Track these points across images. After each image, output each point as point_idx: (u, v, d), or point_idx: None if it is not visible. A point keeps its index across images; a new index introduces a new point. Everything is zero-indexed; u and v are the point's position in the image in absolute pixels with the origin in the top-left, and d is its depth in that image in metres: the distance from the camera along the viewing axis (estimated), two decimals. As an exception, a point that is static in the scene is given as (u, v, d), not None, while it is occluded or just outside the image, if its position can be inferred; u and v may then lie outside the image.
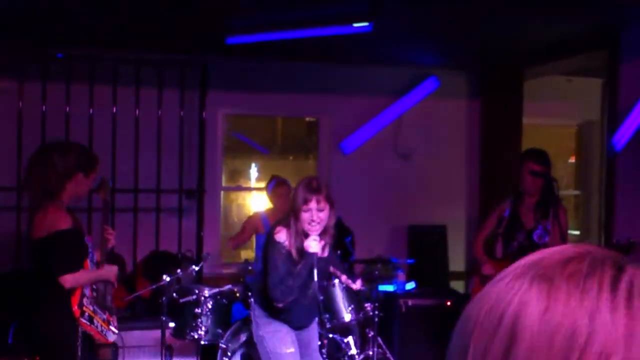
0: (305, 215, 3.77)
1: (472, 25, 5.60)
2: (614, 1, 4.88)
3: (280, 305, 3.83)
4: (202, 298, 4.73)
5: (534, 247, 4.51)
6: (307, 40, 5.57)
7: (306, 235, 3.81)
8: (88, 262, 3.62)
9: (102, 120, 6.20)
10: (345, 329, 5.07)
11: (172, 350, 4.91)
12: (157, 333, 4.94)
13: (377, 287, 5.23)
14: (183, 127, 6.52)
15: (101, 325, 3.63)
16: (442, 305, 5.89)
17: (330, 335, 5.00)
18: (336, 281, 4.83)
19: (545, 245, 4.53)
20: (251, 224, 5.83)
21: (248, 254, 6.74)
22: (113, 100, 6.24)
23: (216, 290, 4.83)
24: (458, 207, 7.47)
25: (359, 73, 7.07)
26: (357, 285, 4.31)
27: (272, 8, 5.07)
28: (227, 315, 4.97)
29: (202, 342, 4.76)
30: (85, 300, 3.54)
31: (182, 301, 4.75)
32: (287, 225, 3.85)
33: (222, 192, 7.20)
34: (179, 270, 4.89)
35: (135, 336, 5.45)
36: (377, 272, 5.29)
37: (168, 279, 4.70)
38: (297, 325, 4.03)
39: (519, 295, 0.63)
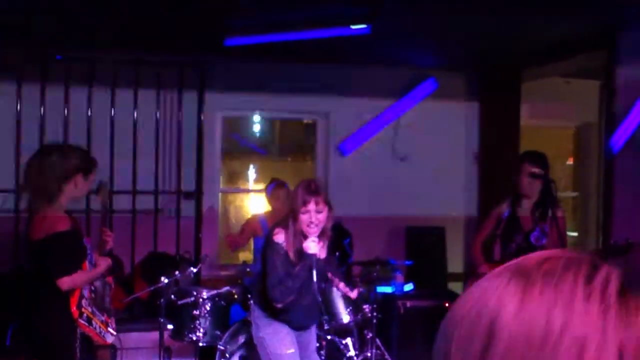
0: (304, 217, 3.79)
1: (470, 27, 5.61)
2: (612, 2, 4.89)
3: (280, 305, 3.84)
4: (201, 300, 4.73)
5: (531, 249, 4.51)
6: (305, 41, 5.57)
7: (305, 237, 3.83)
8: (87, 263, 3.62)
9: (100, 122, 6.20)
10: (343, 331, 5.07)
11: (171, 352, 4.91)
12: (155, 335, 4.93)
13: (375, 289, 5.23)
14: (181, 128, 6.52)
15: (99, 327, 3.63)
16: (440, 307, 5.89)
17: (329, 337, 5.00)
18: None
19: (543, 248, 4.54)
20: (250, 227, 5.83)
21: (246, 256, 6.74)
22: (111, 102, 6.24)
23: (214, 292, 4.83)
24: (456, 208, 7.48)
25: (357, 74, 7.08)
26: (354, 294, 4.35)
27: (271, 9, 5.08)
28: (226, 317, 4.97)
29: (201, 344, 4.76)
30: (83, 302, 3.55)
31: (180, 303, 4.75)
32: (285, 227, 3.87)
33: (220, 194, 7.21)
34: (177, 272, 4.89)
35: (134, 338, 5.45)
36: (375, 274, 5.29)
37: (166, 280, 4.70)
38: (297, 326, 4.04)
39: (497, 294, 0.64)
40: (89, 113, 6.19)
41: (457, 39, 6.10)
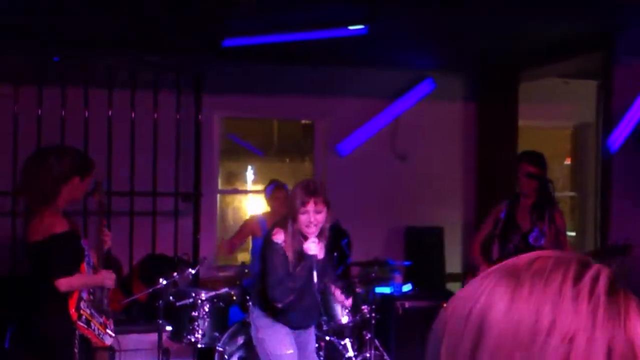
0: (303, 217, 3.80)
1: (468, 28, 5.61)
2: (611, 2, 4.89)
3: (280, 305, 3.85)
4: (199, 301, 4.72)
5: (529, 249, 4.51)
6: (303, 42, 5.58)
7: (304, 237, 3.83)
8: (85, 265, 3.62)
9: (97, 123, 6.19)
10: (342, 332, 5.07)
11: (169, 354, 4.90)
12: (153, 336, 4.93)
13: (373, 289, 5.23)
14: (179, 129, 6.52)
15: (98, 329, 3.63)
16: (438, 307, 5.86)
17: (328, 338, 5.00)
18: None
19: (541, 248, 4.54)
20: (249, 227, 5.84)
21: (245, 256, 6.74)
22: (109, 103, 6.24)
23: (213, 293, 4.83)
24: (455, 209, 7.48)
25: (355, 75, 7.08)
26: (348, 302, 4.36)
27: (269, 10, 5.08)
28: (224, 318, 4.97)
29: (199, 346, 4.75)
30: (82, 304, 3.54)
31: (178, 304, 4.74)
32: (284, 227, 3.87)
33: (218, 195, 7.20)
34: (175, 274, 4.88)
35: (132, 339, 5.44)
36: (373, 275, 5.29)
37: (164, 282, 4.70)
38: (297, 326, 4.04)
39: (487, 294, 0.64)
40: (86, 115, 6.19)
41: (455, 40, 6.10)
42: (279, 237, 3.86)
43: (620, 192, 5.42)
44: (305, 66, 6.85)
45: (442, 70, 7.23)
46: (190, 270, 5.01)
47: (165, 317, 4.73)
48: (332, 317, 4.91)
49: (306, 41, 5.53)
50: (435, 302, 5.95)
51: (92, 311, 3.62)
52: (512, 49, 6.34)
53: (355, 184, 7.11)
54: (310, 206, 3.79)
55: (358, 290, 5.11)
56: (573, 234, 8.19)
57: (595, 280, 0.62)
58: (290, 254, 3.86)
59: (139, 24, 5.42)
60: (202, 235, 6.58)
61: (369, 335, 5.13)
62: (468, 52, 6.62)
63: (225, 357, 4.73)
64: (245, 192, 8.08)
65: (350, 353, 5.00)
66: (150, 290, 4.86)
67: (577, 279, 0.62)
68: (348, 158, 7.14)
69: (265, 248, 3.96)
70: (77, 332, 3.52)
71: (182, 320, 4.74)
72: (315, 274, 3.79)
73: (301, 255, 3.84)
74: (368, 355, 5.15)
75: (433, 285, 6.94)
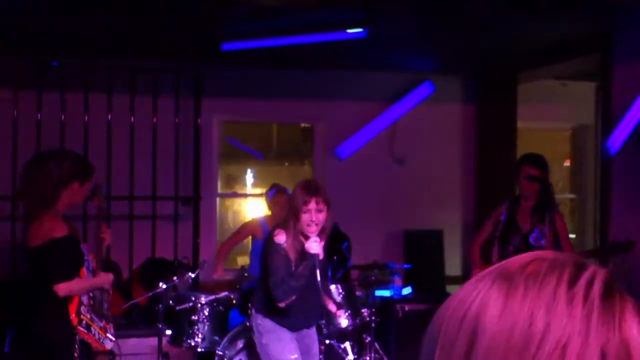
0: (304, 217, 3.81)
1: (467, 30, 5.61)
2: (610, 3, 4.90)
3: (283, 305, 3.85)
4: (199, 305, 4.72)
5: (529, 250, 4.50)
6: (301, 46, 5.58)
7: (305, 237, 3.84)
8: (84, 270, 3.61)
9: (97, 127, 6.19)
10: (342, 335, 5.06)
11: (169, 358, 4.90)
12: (153, 340, 4.93)
13: (373, 293, 5.23)
14: (178, 133, 6.52)
15: (98, 333, 3.62)
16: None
17: (327, 341, 5.00)
18: (332, 287, 4.84)
19: (542, 249, 4.53)
20: (248, 228, 5.84)
21: (244, 260, 6.73)
22: (108, 107, 6.24)
23: (212, 297, 4.83)
24: (454, 211, 7.48)
25: (353, 78, 7.08)
26: (339, 313, 4.39)
27: (268, 14, 5.08)
28: (224, 322, 4.96)
29: (199, 350, 4.75)
30: (82, 308, 3.54)
31: (178, 308, 4.74)
32: (285, 228, 3.89)
33: (217, 199, 7.20)
34: (175, 278, 4.88)
35: (132, 344, 5.43)
36: (373, 278, 5.29)
37: (164, 286, 4.69)
38: (300, 326, 4.05)
39: (480, 296, 0.64)
40: (86, 119, 6.19)
41: (454, 42, 6.10)
42: (281, 238, 3.88)
43: (620, 193, 5.42)
44: (304, 70, 6.85)
45: (441, 72, 7.23)
46: (189, 274, 5.01)
47: (165, 321, 4.73)
48: (331, 320, 4.90)
49: (304, 45, 5.53)
50: (435, 305, 5.91)
51: (93, 315, 3.62)
52: (511, 50, 6.34)
53: (355, 187, 7.11)
54: (312, 205, 3.81)
55: (358, 293, 5.11)
56: (573, 236, 8.18)
57: (590, 283, 0.61)
58: (292, 254, 3.88)
59: (139, 25, 5.42)
60: (201, 239, 6.58)
61: (368, 339, 5.13)
62: (467, 53, 6.63)
63: (225, 360, 4.73)
64: (245, 195, 8.08)
65: (350, 356, 4.99)
66: (150, 294, 4.85)
67: (572, 282, 0.62)
68: (347, 161, 7.14)
69: (266, 249, 3.97)
70: (77, 336, 3.51)
71: (182, 324, 4.74)
72: (317, 272, 3.81)
73: (303, 254, 3.86)
74: (368, 358, 5.14)
75: (433, 288, 6.94)
